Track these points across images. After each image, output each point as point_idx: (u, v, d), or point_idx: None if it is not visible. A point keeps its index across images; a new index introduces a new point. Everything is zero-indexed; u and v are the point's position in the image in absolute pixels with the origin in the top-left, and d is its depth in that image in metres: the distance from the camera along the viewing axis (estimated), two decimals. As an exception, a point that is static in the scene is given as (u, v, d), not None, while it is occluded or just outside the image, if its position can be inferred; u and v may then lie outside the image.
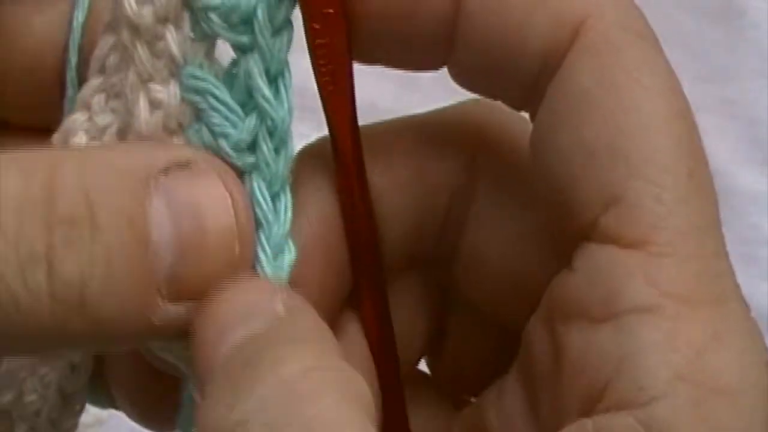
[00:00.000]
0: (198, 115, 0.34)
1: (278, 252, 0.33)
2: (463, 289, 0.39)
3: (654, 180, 0.33)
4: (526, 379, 0.35)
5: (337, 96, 0.35)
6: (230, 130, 0.33)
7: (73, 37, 0.36)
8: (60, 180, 0.30)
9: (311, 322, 0.32)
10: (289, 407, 0.29)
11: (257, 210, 0.33)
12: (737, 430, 0.31)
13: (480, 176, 0.38)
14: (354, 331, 0.37)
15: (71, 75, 0.36)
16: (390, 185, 0.37)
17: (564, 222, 0.34)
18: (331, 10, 0.34)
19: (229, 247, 0.32)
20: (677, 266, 0.32)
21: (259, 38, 0.33)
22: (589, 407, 0.32)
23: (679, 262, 0.32)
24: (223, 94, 0.34)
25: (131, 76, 0.33)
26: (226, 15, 0.33)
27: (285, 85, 0.34)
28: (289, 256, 0.33)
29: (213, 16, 0.33)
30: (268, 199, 0.33)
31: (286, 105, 0.34)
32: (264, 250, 0.33)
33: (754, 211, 0.65)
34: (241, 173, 0.34)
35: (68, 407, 0.38)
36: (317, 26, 0.34)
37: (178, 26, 0.33)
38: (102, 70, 0.34)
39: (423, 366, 0.41)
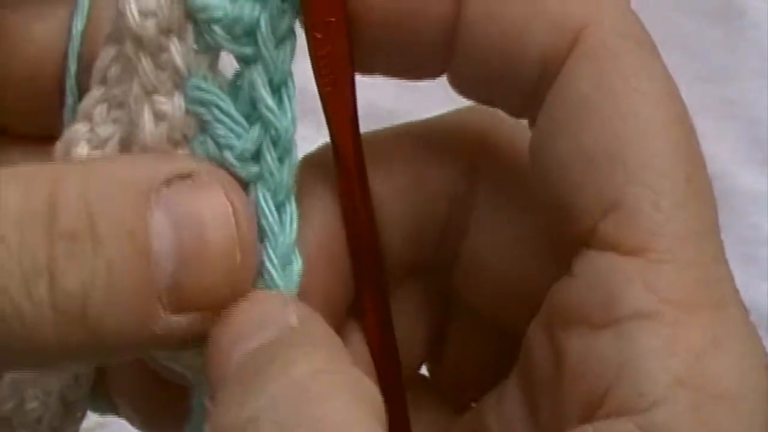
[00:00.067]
0: (202, 126, 0.34)
1: (286, 263, 0.33)
2: (463, 295, 0.39)
3: (652, 186, 0.33)
4: (526, 385, 0.35)
5: (339, 104, 0.35)
6: (235, 141, 0.34)
7: (73, 45, 0.36)
8: (62, 193, 0.31)
9: (322, 330, 0.32)
10: (300, 407, 0.29)
11: (263, 221, 0.33)
12: None
13: (480, 183, 0.38)
14: (357, 339, 0.37)
15: (71, 83, 0.36)
16: (390, 192, 0.37)
17: (563, 228, 0.34)
18: (333, 19, 0.34)
19: (230, 257, 0.32)
20: (676, 272, 0.32)
21: (263, 49, 0.33)
22: (590, 413, 0.32)
23: (678, 269, 0.32)
24: (228, 105, 0.34)
25: (135, 88, 0.33)
26: (229, 27, 0.33)
27: (288, 96, 0.34)
28: (297, 266, 0.34)
29: (216, 28, 0.33)
30: (274, 209, 0.34)
31: (289, 115, 0.34)
32: (272, 262, 0.33)
33: (754, 211, 0.65)
34: (245, 183, 0.34)
35: (69, 415, 0.38)
36: (319, 35, 0.34)
37: (181, 38, 0.33)
38: (103, 81, 0.34)
39: (423, 370, 0.41)
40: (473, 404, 0.39)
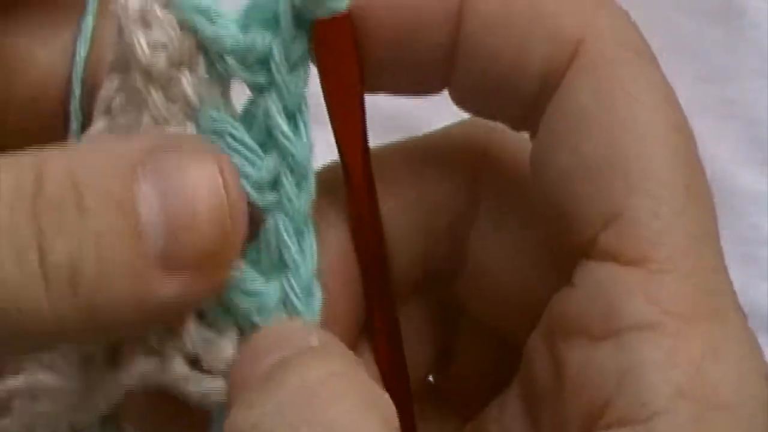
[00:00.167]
0: None
1: (308, 294, 0.34)
2: (467, 307, 0.39)
3: (652, 196, 0.33)
4: (527, 395, 0.35)
5: (349, 126, 0.35)
6: (250, 170, 0.33)
7: (76, 71, 0.36)
8: (48, 169, 0.31)
9: (342, 349, 0.33)
10: (309, 410, 0.30)
11: (284, 251, 0.33)
12: None
13: (481, 195, 0.38)
14: (367, 356, 0.38)
15: (75, 108, 0.36)
16: (398, 209, 0.37)
17: (564, 239, 0.34)
18: (343, 43, 0.34)
19: (220, 222, 0.32)
20: (677, 283, 0.33)
21: (277, 77, 0.33)
22: (590, 424, 0.32)
23: (679, 279, 0.33)
24: (242, 134, 0.34)
25: (145, 119, 0.33)
26: (242, 56, 0.33)
27: (304, 121, 0.34)
28: (318, 296, 0.34)
29: (229, 58, 0.33)
30: (294, 238, 0.34)
31: (305, 141, 0.34)
32: (295, 293, 0.33)
33: (754, 211, 0.65)
34: (263, 213, 0.34)
35: None
36: (329, 58, 0.34)
37: (192, 69, 0.33)
38: (108, 111, 0.34)
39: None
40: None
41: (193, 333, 0.34)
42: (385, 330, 0.37)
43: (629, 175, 0.33)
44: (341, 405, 0.30)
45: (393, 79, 0.36)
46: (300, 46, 0.33)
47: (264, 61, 0.33)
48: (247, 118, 0.34)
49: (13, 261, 0.30)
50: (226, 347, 0.34)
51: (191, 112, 0.33)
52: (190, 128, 0.33)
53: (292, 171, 0.34)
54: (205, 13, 0.33)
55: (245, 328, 0.34)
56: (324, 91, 0.34)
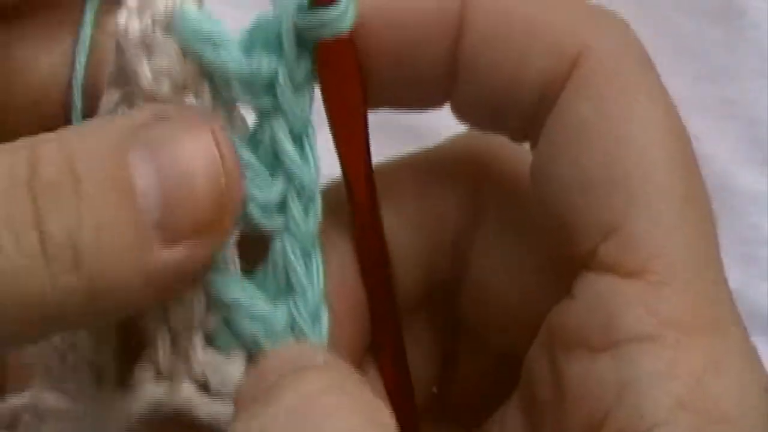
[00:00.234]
0: None
1: (315, 318, 0.34)
2: (470, 319, 0.39)
3: (651, 208, 0.33)
4: (527, 407, 0.35)
5: (353, 145, 0.35)
6: (258, 193, 0.33)
7: (77, 78, 0.36)
8: (42, 152, 0.31)
9: (344, 366, 0.33)
10: (306, 420, 0.30)
11: (291, 274, 0.33)
12: None
13: (484, 208, 0.38)
14: (372, 374, 0.38)
15: (77, 116, 0.36)
16: (401, 226, 0.38)
17: (564, 251, 0.34)
18: (346, 63, 0.34)
19: (218, 191, 0.32)
20: (676, 295, 0.33)
21: (282, 101, 0.33)
22: (591, 435, 0.32)
23: (678, 291, 0.33)
24: (249, 156, 0.34)
25: None
26: (247, 82, 0.33)
27: (310, 144, 0.34)
28: (326, 320, 0.34)
29: (235, 83, 0.33)
30: (301, 261, 0.34)
31: (312, 163, 0.34)
32: (303, 318, 0.34)
33: (754, 211, 0.65)
34: (270, 236, 0.34)
35: None
36: (333, 79, 0.34)
37: (197, 95, 0.33)
38: None
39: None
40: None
41: (201, 357, 0.34)
42: (390, 349, 0.37)
43: (629, 187, 0.33)
44: (338, 419, 0.30)
45: (395, 95, 0.36)
46: (304, 69, 0.33)
47: (269, 86, 0.33)
48: (254, 141, 0.34)
49: (13, 245, 0.30)
50: (235, 371, 0.34)
51: None
52: None
53: (299, 194, 0.34)
54: (208, 38, 0.33)
55: (253, 352, 0.34)
56: (327, 111, 0.34)
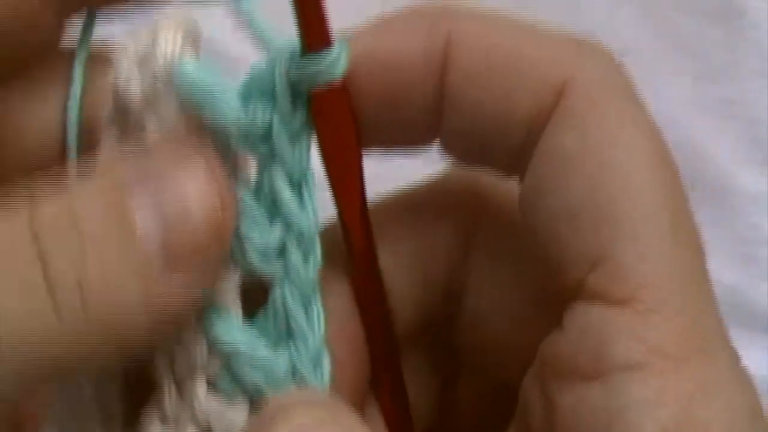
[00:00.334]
0: None
1: (316, 363, 0.34)
2: (467, 352, 0.40)
3: (638, 238, 0.33)
4: (522, 436, 0.36)
5: (348, 189, 0.35)
6: (257, 236, 0.34)
7: (71, 131, 0.36)
8: (40, 212, 0.31)
9: (346, 406, 0.33)
10: None
11: (291, 321, 0.34)
12: None
13: (476, 243, 0.38)
14: (372, 410, 0.38)
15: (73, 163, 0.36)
16: (396, 265, 0.38)
17: (554, 282, 0.34)
18: (340, 110, 0.34)
19: (215, 220, 0.32)
20: (665, 322, 0.33)
21: (278, 150, 0.33)
22: (582, 464, 0.33)
23: (667, 319, 0.33)
24: (251, 202, 0.34)
25: None
26: (244, 133, 0.33)
27: (309, 191, 0.34)
28: (327, 365, 0.34)
29: (233, 134, 0.33)
30: (301, 308, 0.34)
31: (311, 210, 0.34)
32: (304, 364, 0.34)
33: (754, 211, 0.65)
34: (270, 281, 0.34)
35: None
36: (327, 127, 0.34)
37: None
38: None
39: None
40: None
41: (204, 404, 0.34)
42: (388, 384, 0.38)
43: (615, 219, 0.33)
44: None
45: (382, 136, 0.36)
46: (299, 117, 0.34)
47: (266, 135, 0.34)
48: (257, 188, 0.34)
49: (17, 288, 0.31)
50: (238, 418, 0.34)
51: None
52: None
53: (299, 241, 0.34)
54: (207, 90, 0.33)
55: (255, 399, 0.34)
56: (323, 158, 0.35)
